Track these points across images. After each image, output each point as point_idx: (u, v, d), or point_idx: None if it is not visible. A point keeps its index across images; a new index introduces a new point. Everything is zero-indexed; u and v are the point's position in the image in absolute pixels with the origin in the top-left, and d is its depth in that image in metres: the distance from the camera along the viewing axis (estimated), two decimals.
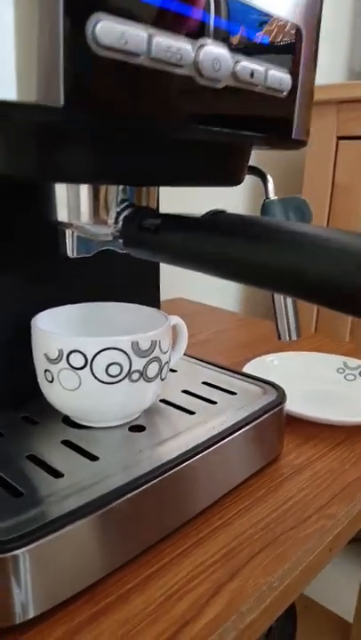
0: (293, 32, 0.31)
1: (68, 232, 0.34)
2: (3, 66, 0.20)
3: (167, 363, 0.38)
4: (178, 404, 0.42)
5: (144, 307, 0.42)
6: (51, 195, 0.32)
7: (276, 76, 0.30)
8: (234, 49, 0.27)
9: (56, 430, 0.37)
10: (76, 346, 0.33)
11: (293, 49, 0.31)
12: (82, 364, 0.33)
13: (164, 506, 0.34)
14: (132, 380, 0.35)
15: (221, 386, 0.45)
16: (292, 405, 0.49)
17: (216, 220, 0.28)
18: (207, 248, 0.28)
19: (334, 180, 0.92)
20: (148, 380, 0.36)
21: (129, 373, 0.34)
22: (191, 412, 0.40)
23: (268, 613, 0.33)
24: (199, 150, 0.31)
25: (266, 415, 0.42)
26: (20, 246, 0.40)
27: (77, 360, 0.33)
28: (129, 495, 0.31)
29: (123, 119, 0.23)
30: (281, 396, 0.44)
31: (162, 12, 0.23)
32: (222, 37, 0.26)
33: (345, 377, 0.63)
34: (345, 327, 1.00)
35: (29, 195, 0.38)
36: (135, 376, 0.35)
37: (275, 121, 0.32)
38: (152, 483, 0.32)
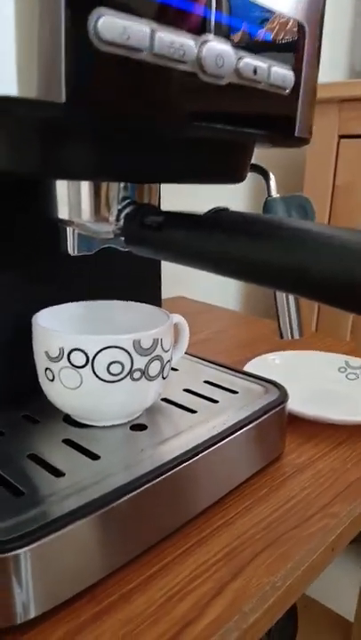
0: (296, 28, 0.31)
1: (68, 230, 0.34)
2: (3, 61, 0.19)
3: (169, 361, 0.38)
4: (179, 402, 0.41)
5: (145, 305, 0.42)
6: (51, 192, 0.32)
7: (280, 73, 0.29)
8: (237, 45, 0.26)
9: (57, 429, 0.36)
10: (77, 344, 0.33)
11: (297, 45, 0.31)
12: (83, 363, 0.33)
13: (166, 505, 0.34)
14: (134, 379, 0.35)
15: (223, 385, 0.45)
16: (294, 404, 0.49)
17: (218, 218, 0.28)
18: (210, 246, 0.27)
19: (335, 178, 0.92)
20: (150, 378, 0.36)
21: (130, 372, 0.34)
22: (193, 411, 0.40)
23: (270, 613, 0.33)
24: (201, 147, 0.31)
25: (268, 414, 0.41)
26: (19, 246, 0.40)
27: (78, 358, 0.33)
28: (130, 495, 0.31)
29: (125, 115, 0.23)
30: (283, 395, 0.44)
31: (164, 7, 0.22)
32: (225, 33, 0.26)
33: (346, 376, 0.62)
34: (346, 326, 1.00)
35: (29, 194, 0.38)
36: (137, 375, 0.35)
37: (278, 118, 0.32)
38: (153, 482, 0.32)
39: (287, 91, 0.31)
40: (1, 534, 0.26)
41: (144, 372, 0.35)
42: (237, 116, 0.29)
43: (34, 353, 0.36)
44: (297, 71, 0.31)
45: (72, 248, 0.35)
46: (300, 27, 0.31)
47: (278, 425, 0.44)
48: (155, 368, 0.36)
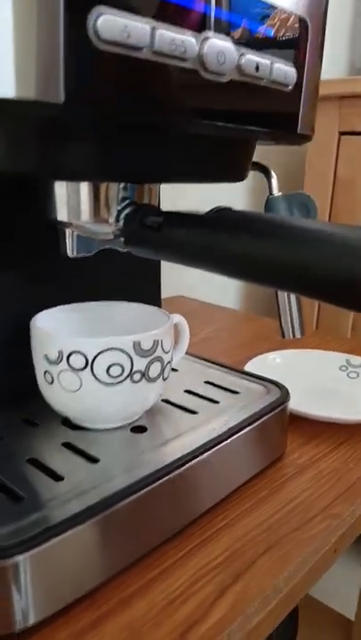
0: (299, 24, 0.30)
1: (67, 231, 0.34)
2: (1, 61, 0.19)
3: (169, 362, 0.37)
4: (180, 403, 0.41)
5: (145, 305, 0.41)
6: (50, 193, 0.31)
7: (282, 70, 0.29)
8: (238, 42, 0.26)
9: (56, 432, 0.36)
10: (76, 347, 0.32)
11: (299, 42, 0.31)
12: (82, 365, 0.33)
13: (167, 508, 0.34)
14: (134, 381, 0.34)
15: (224, 385, 0.45)
16: (295, 404, 0.48)
17: (220, 217, 0.27)
18: (211, 245, 0.27)
19: (336, 175, 0.91)
20: (150, 380, 0.35)
21: (130, 374, 0.34)
22: (193, 412, 0.40)
23: (273, 616, 0.33)
24: (203, 146, 0.31)
25: (269, 414, 0.41)
26: (19, 246, 0.39)
27: (78, 361, 0.33)
28: (130, 498, 0.31)
29: (125, 115, 0.22)
30: (284, 394, 0.44)
31: (165, 4, 0.22)
32: (227, 30, 0.25)
33: (348, 375, 0.62)
34: (346, 324, 1.00)
35: (29, 194, 0.37)
36: (137, 376, 0.34)
37: (280, 115, 0.31)
38: (154, 485, 0.32)
39: (290, 87, 0.31)
40: (0, 540, 0.26)
41: (144, 374, 0.35)
42: (239, 113, 0.28)
43: (32, 356, 0.36)
44: (299, 67, 0.31)
45: (71, 250, 0.35)
46: (303, 22, 0.31)
47: (280, 425, 0.44)
48: (155, 369, 0.35)
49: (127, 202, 0.31)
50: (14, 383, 0.39)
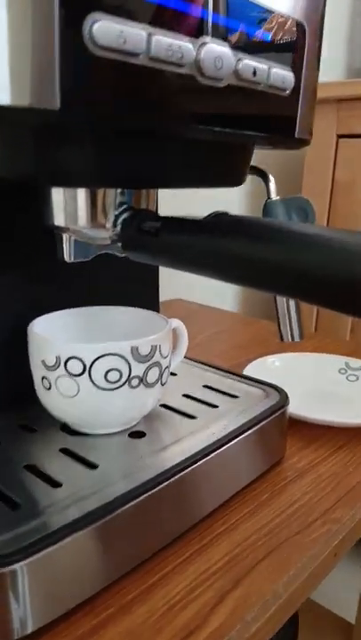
0: (296, 28, 0.30)
1: (65, 236, 0.34)
2: None
3: (167, 367, 0.37)
4: (178, 408, 0.41)
5: (143, 310, 0.41)
6: (47, 199, 0.31)
7: (279, 74, 0.29)
8: (236, 47, 0.26)
9: (54, 438, 0.36)
10: (73, 352, 0.32)
11: (296, 46, 0.31)
12: (80, 371, 0.33)
13: (166, 513, 0.34)
14: (132, 387, 0.34)
15: (223, 389, 0.45)
16: (294, 407, 0.48)
17: (217, 223, 0.27)
18: (209, 251, 0.27)
19: (334, 178, 0.91)
20: (149, 385, 0.35)
21: (128, 379, 0.34)
22: (192, 417, 0.40)
23: (273, 621, 0.32)
24: (200, 151, 0.31)
25: (268, 419, 0.41)
26: (19, 247, 0.39)
27: (75, 367, 0.33)
28: (129, 505, 0.30)
29: (122, 121, 0.22)
30: (283, 399, 0.44)
31: (161, 9, 0.22)
32: (224, 35, 0.25)
33: (347, 377, 0.62)
34: (345, 326, 1.00)
35: (29, 195, 0.37)
36: (135, 382, 0.34)
37: (278, 120, 0.31)
38: (153, 491, 0.32)
39: (287, 92, 0.31)
40: None
41: (142, 380, 0.34)
42: (237, 118, 0.28)
43: (30, 362, 0.35)
44: (297, 72, 0.31)
45: (68, 255, 0.34)
46: (300, 26, 0.31)
47: (279, 429, 0.43)
48: (153, 375, 0.35)
49: (125, 207, 0.31)
50: (12, 386, 0.39)
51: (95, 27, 0.20)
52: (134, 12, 0.21)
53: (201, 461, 0.35)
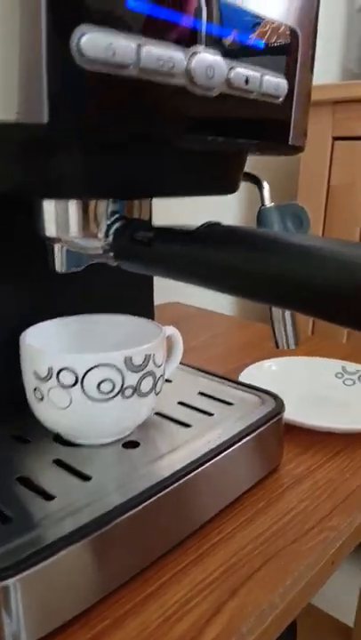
0: (289, 35, 0.30)
1: (57, 247, 0.33)
2: None
3: (162, 376, 0.37)
4: (173, 416, 0.41)
5: (137, 318, 0.41)
6: (38, 209, 0.31)
7: (272, 82, 0.29)
8: (227, 55, 0.26)
9: (48, 449, 0.35)
10: (65, 363, 0.32)
11: (289, 52, 0.30)
12: (72, 382, 0.32)
13: (162, 524, 0.33)
14: (125, 397, 0.34)
15: (218, 396, 0.44)
16: (291, 413, 0.48)
17: (210, 233, 0.27)
18: (201, 261, 0.27)
19: (330, 180, 0.91)
20: (142, 395, 0.35)
21: (122, 390, 0.33)
22: (187, 425, 0.39)
23: (269, 632, 0.32)
24: (193, 159, 0.30)
25: (264, 426, 0.41)
26: (12, 253, 0.38)
27: (68, 378, 0.32)
28: (122, 517, 0.30)
29: (111, 134, 0.22)
30: (279, 405, 0.43)
31: (150, 20, 0.22)
32: (215, 43, 0.25)
33: (344, 382, 0.62)
34: (342, 329, 1.00)
35: (22, 205, 0.36)
36: (128, 392, 0.34)
37: (271, 127, 0.31)
38: (147, 502, 0.31)
39: (280, 99, 0.30)
40: None
41: (136, 389, 0.34)
42: (230, 126, 0.28)
43: (22, 373, 0.35)
44: (290, 78, 0.31)
45: (60, 265, 0.34)
46: (293, 32, 0.30)
47: (275, 436, 0.43)
48: (147, 384, 0.35)
49: (117, 216, 0.31)
50: (5, 397, 0.39)
51: (83, 39, 0.19)
52: (123, 22, 0.21)
53: (196, 471, 0.35)
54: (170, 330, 0.41)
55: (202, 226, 0.27)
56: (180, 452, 0.36)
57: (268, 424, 0.41)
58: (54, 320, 0.39)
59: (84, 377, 0.32)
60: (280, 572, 0.34)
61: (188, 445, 0.37)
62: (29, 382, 0.34)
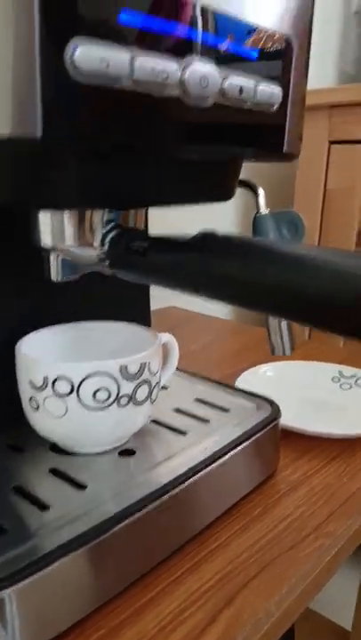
0: (283, 43, 0.30)
1: (52, 256, 0.33)
2: None
3: (157, 384, 0.37)
4: (169, 424, 0.41)
5: (133, 325, 0.41)
6: (34, 219, 0.31)
7: (266, 91, 0.29)
8: (221, 65, 0.26)
9: (43, 458, 0.35)
10: (61, 372, 0.32)
11: (284, 60, 0.30)
12: (68, 391, 0.32)
13: (158, 532, 0.33)
14: (121, 405, 0.34)
15: (214, 402, 0.44)
16: (288, 418, 0.48)
17: (205, 242, 0.27)
18: (196, 271, 0.27)
19: (326, 184, 0.91)
20: (138, 403, 0.35)
21: (117, 398, 0.33)
22: (183, 433, 0.39)
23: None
24: (188, 168, 0.30)
25: (260, 433, 0.41)
26: (12, 258, 0.38)
27: (63, 387, 0.32)
28: (119, 526, 0.30)
29: (106, 146, 0.22)
30: (275, 411, 0.43)
31: (143, 33, 0.22)
32: (209, 54, 0.25)
33: (340, 386, 0.62)
34: None
35: (17, 213, 0.36)
36: (124, 400, 0.34)
37: (265, 136, 0.31)
38: (143, 511, 0.31)
39: (275, 107, 0.30)
40: None
41: (131, 398, 0.34)
42: (223, 135, 0.28)
43: (17, 381, 0.35)
44: (285, 87, 0.31)
45: (56, 274, 0.34)
46: (287, 41, 0.30)
47: (272, 443, 0.43)
48: (142, 393, 0.35)
49: (112, 225, 0.31)
50: (0, 405, 0.38)
51: (77, 52, 0.19)
52: (117, 35, 0.21)
53: (192, 479, 0.35)
54: (166, 337, 0.41)
55: (197, 235, 0.27)
56: (177, 459, 0.36)
57: (265, 430, 0.41)
58: (50, 328, 0.39)
59: (79, 386, 0.32)
60: (276, 580, 0.34)
61: (184, 453, 0.37)
62: (25, 391, 0.34)
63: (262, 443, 0.41)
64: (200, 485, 0.36)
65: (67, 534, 0.29)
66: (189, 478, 0.35)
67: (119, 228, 0.31)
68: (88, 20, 0.20)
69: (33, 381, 0.33)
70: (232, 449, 0.38)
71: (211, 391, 0.47)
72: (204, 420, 0.41)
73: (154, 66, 0.22)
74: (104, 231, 0.30)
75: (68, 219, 0.30)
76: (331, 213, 0.93)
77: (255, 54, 0.28)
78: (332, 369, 0.64)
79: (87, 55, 0.19)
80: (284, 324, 0.40)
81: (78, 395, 0.32)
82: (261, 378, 0.61)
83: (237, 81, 0.26)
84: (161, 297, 0.78)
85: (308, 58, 0.33)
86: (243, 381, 0.58)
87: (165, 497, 0.33)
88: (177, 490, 0.34)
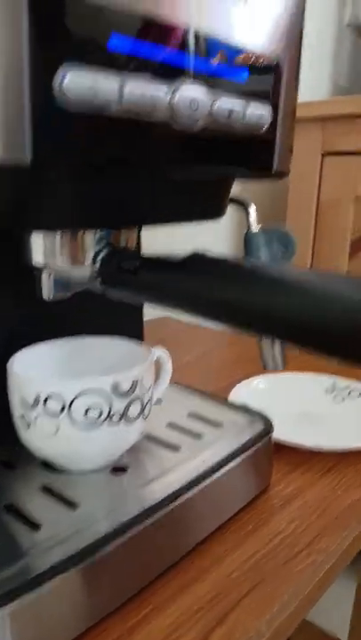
0: (272, 63, 0.30)
1: (44, 275, 0.33)
2: None
3: (150, 400, 0.37)
4: (162, 439, 0.40)
5: (125, 341, 0.40)
6: (25, 238, 0.31)
7: (256, 113, 0.29)
8: (210, 88, 0.26)
9: (35, 475, 0.35)
10: (53, 390, 0.32)
11: (273, 81, 0.31)
12: (59, 409, 0.32)
13: (150, 551, 0.33)
14: (113, 423, 0.34)
15: (207, 417, 0.44)
16: (281, 432, 0.48)
17: (196, 264, 0.27)
18: (186, 292, 0.27)
19: (320, 195, 0.92)
20: (130, 421, 0.35)
21: (109, 416, 0.33)
22: (176, 448, 0.39)
23: None
24: (178, 188, 0.31)
25: (252, 448, 0.41)
26: (4, 270, 0.38)
27: (54, 405, 0.32)
28: (111, 545, 0.30)
29: (95, 171, 0.22)
30: (268, 426, 0.44)
31: (133, 58, 0.22)
32: (198, 77, 0.25)
33: (334, 398, 0.62)
34: None
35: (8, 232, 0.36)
36: (116, 418, 0.34)
37: (255, 156, 0.31)
38: (136, 529, 0.31)
39: (264, 128, 0.31)
40: None
41: (123, 415, 0.34)
42: (213, 157, 0.28)
43: (9, 399, 0.35)
44: (274, 106, 0.31)
45: (48, 293, 0.34)
46: (276, 61, 0.31)
47: (264, 458, 0.43)
48: (135, 410, 0.35)
49: (104, 243, 0.31)
50: None
51: (66, 80, 0.20)
52: (106, 63, 0.21)
53: (184, 496, 0.35)
54: (158, 352, 0.41)
55: (187, 256, 0.28)
56: (169, 476, 0.36)
57: (257, 446, 0.41)
58: (42, 344, 0.39)
59: (71, 404, 0.32)
60: (268, 598, 0.34)
61: (176, 470, 0.37)
62: (16, 409, 0.34)
63: (255, 458, 0.41)
64: (192, 503, 0.35)
65: (59, 554, 0.28)
66: (181, 496, 0.35)
67: (111, 246, 0.31)
68: (78, 46, 0.20)
69: (24, 399, 0.33)
70: (224, 465, 0.38)
71: (204, 405, 0.47)
72: (197, 435, 0.41)
73: (143, 91, 0.22)
74: (96, 250, 0.30)
75: (59, 238, 0.30)
76: (324, 224, 0.93)
77: (244, 76, 0.29)
78: (325, 380, 0.64)
79: (76, 82, 0.20)
80: (276, 340, 0.40)
81: (70, 413, 0.32)
82: (255, 390, 0.61)
83: (226, 104, 0.27)
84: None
85: (298, 75, 0.34)
86: (236, 394, 0.58)
87: (157, 515, 0.33)
88: (169, 508, 0.34)
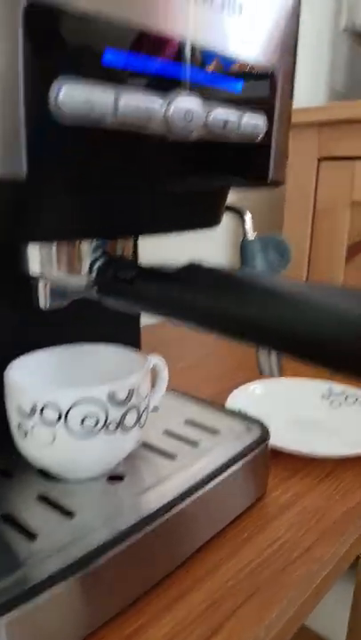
0: (267, 73, 0.30)
1: (40, 284, 0.33)
2: None
3: (146, 408, 0.37)
4: (159, 447, 0.40)
5: (121, 348, 0.40)
6: (21, 249, 0.31)
7: (250, 123, 0.29)
8: (205, 99, 0.26)
9: (31, 483, 0.35)
10: (49, 399, 0.32)
11: (268, 91, 0.31)
12: (56, 418, 0.32)
13: (147, 560, 0.33)
14: (109, 432, 0.34)
15: (204, 424, 0.44)
16: (278, 439, 0.48)
17: (191, 274, 0.27)
18: (181, 302, 0.27)
19: (316, 200, 0.92)
20: (127, 429, 0.35)
21: (105, 425, 0.33)
22: (173, 456, 0.39)
23: None
24: (174, 198, 0.31)
25: (249, 456, 0.41)
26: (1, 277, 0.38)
27: (51, 414, 0.32)
28: (108, 554, 0.30)
29: (91, 184, 0.22)
30: (265, 433, 0.44)
31: (128, 71, 0.22)
32: (192, 88, 0.25)
33: (330, 403, 0.62)
34: None
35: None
36: (112, 427, 0.34)
37: (250, 165, 0.31)
38: (133, 538, 0.31)
39: (259, 138, 0.31)
40: None
41: (120, 424, 0.34)
42: (208, 167, 0.28)
43: (6, 407, 0.35)
44: (269, 115, 0.31)
45: (44, 302, 0.34)
46: (271, 71, 0.31)
47: (261, 465, 0.43)
48: (131, 418, 0.35)
49: (100, 252, 0.31)
50: None
51: (61, 94, 0.20)
52: (101, 76, 0.21)
53: (180, 506, 0.35)
54: (155, 359, 0.41)
55: (183, 266, 0.28)
56: (166, 484, 0.36)
57: (254, 453, 0.41)
58: (38, 352, 0.39)
59: (67, 413, 0.32)
60: (264, 607, 0.34)
61: (173, 478, 0.37)
62: (13, 417, 0.34)
63: (252, 465, 0.41)
64: (189, 512, 0.35)
65: (55, 563, 0.28)
66: (178, 505, 0.35)
67: (107, 255, 0.31)
68: (72, 59, 0.20)
69: (21, 408, 0.33)
70: (221, 473, 0.38)
71: (201, 412, 0.47)
72: (194, 443, 0.41)
73: (138, 104, 0.22)
74: (92, 259, 0.31)
75: (56, 248, 0.30)
76: (321, 228, 0.93)
77: (239, 86, 0.29)
78: (321, 385, 0.64)
79: (71, 96, 0.20)
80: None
81: (66, 422, 0.32)
82: (251, 396, 0.61)
83: (221, 114, 0.27)
84: None
85: (293, 84, 0.34)
86: (233, 400, 0.58)
87: (154, 524, 0.33)
88: (166, 517, 0.34)
